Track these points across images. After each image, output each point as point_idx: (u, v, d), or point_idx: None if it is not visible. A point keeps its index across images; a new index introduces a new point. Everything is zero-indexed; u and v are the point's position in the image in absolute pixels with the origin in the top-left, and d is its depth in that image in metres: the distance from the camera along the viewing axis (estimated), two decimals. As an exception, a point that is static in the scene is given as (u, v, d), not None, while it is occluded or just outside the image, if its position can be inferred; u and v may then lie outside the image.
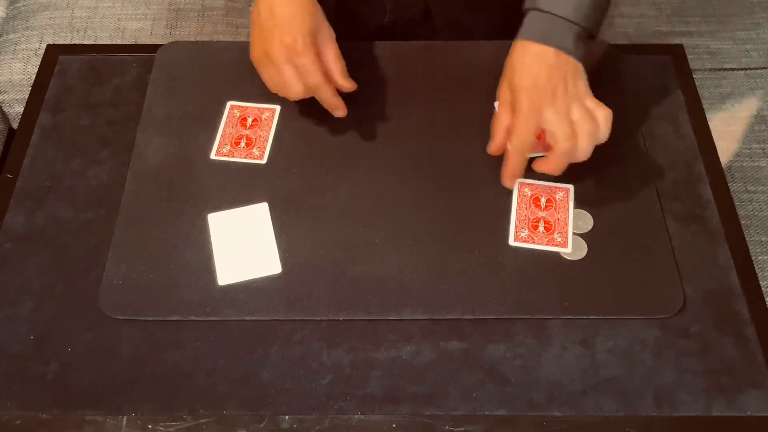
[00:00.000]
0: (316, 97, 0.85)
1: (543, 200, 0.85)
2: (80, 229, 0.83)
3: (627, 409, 0.73)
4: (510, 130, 0.81)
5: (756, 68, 1.45)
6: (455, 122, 0.92)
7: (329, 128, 0.91)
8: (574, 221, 0.84)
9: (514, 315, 0.78)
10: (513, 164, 0.82)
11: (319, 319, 0.77)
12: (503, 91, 0.83)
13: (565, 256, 0.81)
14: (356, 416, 0.72)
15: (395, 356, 0.75)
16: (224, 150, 0.89)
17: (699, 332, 0.77)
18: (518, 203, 0.85)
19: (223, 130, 0.91)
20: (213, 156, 0.88)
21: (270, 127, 0.91)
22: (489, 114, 0.92)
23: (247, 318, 0.77)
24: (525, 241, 0.82)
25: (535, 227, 0.83)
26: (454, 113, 0.93)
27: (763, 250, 1.23)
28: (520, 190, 0.86)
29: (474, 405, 0.73)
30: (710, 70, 1.44)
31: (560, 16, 0.81)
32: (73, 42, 1.44)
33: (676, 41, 1.28)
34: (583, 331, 0.77)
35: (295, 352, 0.75)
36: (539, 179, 0.86)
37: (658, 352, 0.76)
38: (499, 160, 0.89)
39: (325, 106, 0.86)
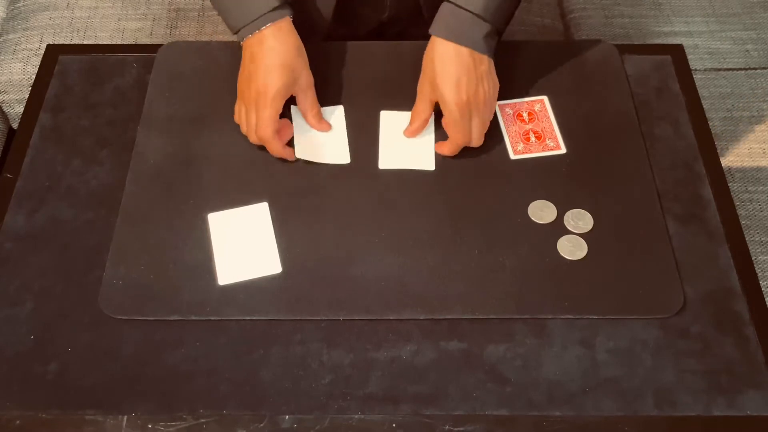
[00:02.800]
0: (268, 148, 0.87)
1: (525, 115, 0.92)
2: (80, 229, 0.83)
3: (627, 409, 0.73)
4: (447, 130, 0.88)
5: (756, 68, 1.45)
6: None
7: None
8: (574, 222, 0.84)
9: (514, 315, 0.78)
10: (451, 152, 0.88)
11: (319, 319, 0.77)
12: (425, 87, 0.88)
13: (565, 256, 0.81)
14: (356, 416, 0.72)
15: (395, 356, 0.75)
16: None
17: (699, 332, 0.77)
18: (504, 122, 0.91)
19: None
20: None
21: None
22: (489, 114, 0.92)
23: (247, 318, 0.77)
24: (523, 153, 0.88)
25: (527, 139, 0.88)
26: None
27: (763, 250, 1.23)
28: (503, 111, 0.92)
29: (474, 405, 0.73)
30: (710, 70, 1.44)
31: (472, 12, 0.85)
32: (73, 42, 1.44)
33: (676, 41, 1.28)
34: (583, 331, 0.77)
35: (295, 352, 0.75)
36: (514, 98, 0.93)
37: (658, 352, 0.76)
38: (498, 161, 0.89)
39: (275, 155, 0.88)
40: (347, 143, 0.89)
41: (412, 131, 0.90)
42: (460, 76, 0.85)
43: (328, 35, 1.02)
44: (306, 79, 0.89)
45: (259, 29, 0.86)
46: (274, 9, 0.86)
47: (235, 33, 0.89)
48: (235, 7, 0.88)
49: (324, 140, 0.90)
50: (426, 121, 0.89)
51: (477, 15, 0.85)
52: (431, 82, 0.87)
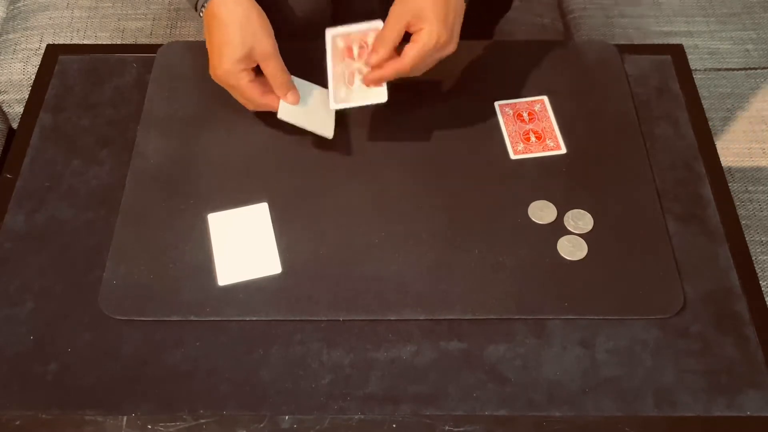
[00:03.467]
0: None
1: (525, 115, 0.91)
2: (80, 229, 0.83)
3: (627, 409, 0.73)
4: (404, 55, 0.83)
5: (756, 68, 1.45)
6: (455, 122, 0.92)
7: (329, 128, 0.91)
8: (574, 222, 0.84)
9: (514, 315, 0.78)
10: (386, 76, 0.85)
11: (319, 319, 0.77)
12: (404, 11, 0.83)
13: (565, 256, 0.81)
14: (356, 416, 0.72)
15: (395, 356, 0.75)
16: None
17: (699, 332, 0.77)
18: (504, 122, 0.90)
19: None
20: None
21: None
22: (489, 113, 0.92)
23: (247, 318, 0.77)
24: (524, 153, 0.88)
25: (527, 139, 0.88)
26: (454, 113, 0.93)
27: (763, 250, 1.23)
28: (503, 111, 0.92)
29: (474, 405, 0.73)
30: (710, 70, 1.44)
31: None
32: (73, 42, 1.44)
33: (676, 41, 1.28)
34: (583, 331, 0.77)
35: (295, 352, 0.75)
36: (514, 98, 0.93)
37: (658, 352, 0.76)
38: (498, 161, 0.89)
39: (268, 107, 0.88)
40: (333, 117, 0.88)
41: (378, 60, 0.84)
42: (449, 10, 0.83)
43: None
44: (266, 47, 0.85)
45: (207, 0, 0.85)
46: None
47: (194, 7, 0.88)
48: None
49: (311, 108, 0.88)
50: (394, 50, 0.84)
51: None
52: (417, 8, 0.82)
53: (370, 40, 0.86)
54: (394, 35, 0.84)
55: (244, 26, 0.85)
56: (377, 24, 0.86)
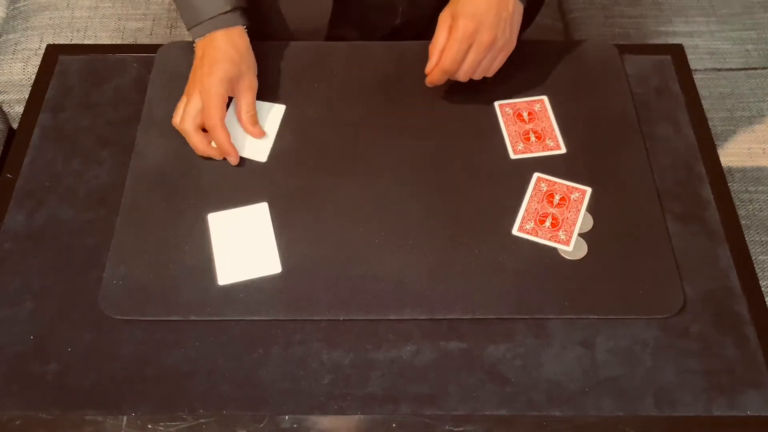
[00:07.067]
0: (212, 138, 0.87)
1: (557, 198, 0.85)
2: (80, 229, 0.83)
3: (627, 409, 0.73)
4: (444, 52, 0.85)
5: (756, 68, 1.45)
6: (456, 122, 0.92)
7: (330, 128, 0.91)
8: (574, 221, 0.84)
9: (514, 315, 0.78)
10: (435, 78, 0.88)
11: (319, 319, 0.77)
12: (444, 16, 0.86)
13: (565, 256, 0.81)
14: (356, 416, 0.72)
15: (395, 356, 0.75)
16: None
17: (699, 332, 0.77)
18: (531, 196, 0.85)
19: None
20: None
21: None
22: (489, 113, 0.92)
23: (247, 318, 0.77)
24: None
25: (542, 222, 0.83)
26: (454, 113, 0.93)
27: (763, 250, 1.23)
28: (537, 185, 0.86)
29: (474, 405, 0.73)
30: (710, 70, 1.44)
31: None
32: (73, 42, 1.44)
33: (676, 41, 1.28)
34: (583, 331, 0.77)
35: (295, 352, 0.75)
36: (560, 177, 0.87)
37: (658, 352, 0.76)
38: (498, 161, 0.89)
39: (219, 148, 0.87)
40: (276, 248, 0.82)
41: (430, 67, 0.87)
42: (480, 4, 0.84)
43: (339, 39, 1.02)
44: (249, 82, 0.89)
45: (209, 32, 0.88)
46: (225, 12, 0.88)
47: (189, 31, 0.91)
48: (188, 7, 0.90)
49: (248, 253, 0.82)
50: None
51: None
52: (453, 8, 0.85)
53: (536, 108, 0.91)
54: (441, 39, 0.86)
55: (242, 55, 0.88)
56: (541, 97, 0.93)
